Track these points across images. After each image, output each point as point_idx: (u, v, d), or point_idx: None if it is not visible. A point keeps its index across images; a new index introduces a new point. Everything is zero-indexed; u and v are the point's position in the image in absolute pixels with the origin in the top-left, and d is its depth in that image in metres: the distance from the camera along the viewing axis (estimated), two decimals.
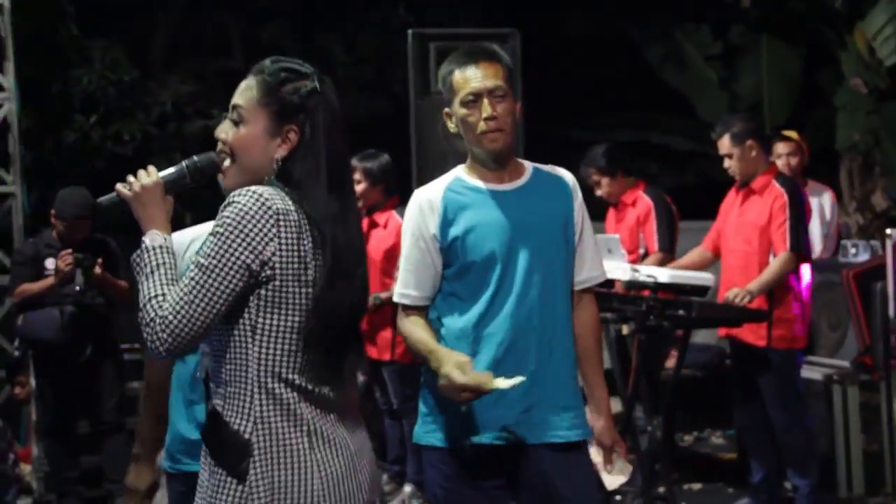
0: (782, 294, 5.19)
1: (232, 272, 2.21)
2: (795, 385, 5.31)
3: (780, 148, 6.24)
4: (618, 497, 5.41)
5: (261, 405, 2.27)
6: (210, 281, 2.21)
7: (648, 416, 5.19)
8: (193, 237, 2.88)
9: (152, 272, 2.26)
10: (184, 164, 2.39)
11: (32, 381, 6.35)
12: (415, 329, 3.02)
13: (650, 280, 4.74)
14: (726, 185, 5.71)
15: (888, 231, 5.48)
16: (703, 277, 4.87)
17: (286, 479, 2.26)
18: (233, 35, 8.66)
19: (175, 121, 7.94)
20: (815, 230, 6.24)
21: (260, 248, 2.22)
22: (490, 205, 2.99)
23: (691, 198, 6.90)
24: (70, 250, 5.76)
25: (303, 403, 2.29)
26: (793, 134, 6.40)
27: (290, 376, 2.28)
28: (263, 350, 2.27)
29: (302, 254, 2.26)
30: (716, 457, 6.70)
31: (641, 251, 6.07)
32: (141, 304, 2.24)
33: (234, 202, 2.24)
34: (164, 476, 3.18)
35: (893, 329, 5.40)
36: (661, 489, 5.34)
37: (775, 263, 5.17)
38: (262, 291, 2.25)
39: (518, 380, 2.82)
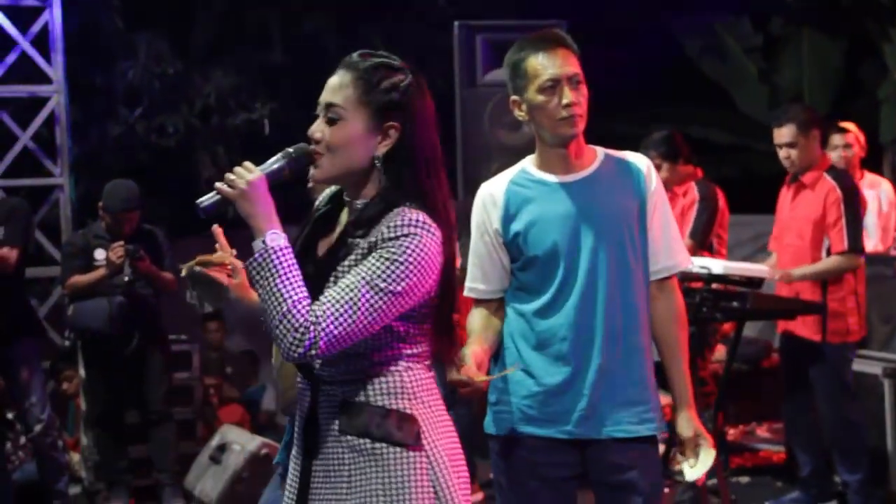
0: (838, 288, 5.16)
1: (403, 299, 2.26)
2: (846, 379, 5.28)
3: (836, 139, 6.19)
4: (666, 490, 5.39)
5: (412, 384, 2.34)
6: (382, 304, 2.24)
7: (700, 408, 5.16)
8: None
9: (287, 273, 2.23)
10: (280, 156, 2.36)
11: (82, 372, 6.39)
12: (471, 322, 3.03)
13: (704, 271, 4.71)
14: (766, 179, 5.67)
15: None
16: (758, 269, 4.84)
17: (453, 451, 2.37)
18: (273, 28, 8.66)
19: (218, 114, 7.95)
20: (872, 223, 6.20)
21: (429, 280, 2.29)
22: (554, 198, 2.96)
23: (730, 191, 6.87)
24: (122, 242, 5.79)
25: (434, 383, 2.39)
26: (850, 125, 6.35)
27: (425, 364, 2.38)
28: (412, 350, 2.36)
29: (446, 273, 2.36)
30: (763, 450, 6.66)
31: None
32: (282, 307, 2.21)
33: (413, 234, 2.26)
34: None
35: None
36: (713, 481, 5.33)
37: (831, 261, 5.13)
38: (416, 307, 2.33)
39: (509, 370, 2.89)
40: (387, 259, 2.23)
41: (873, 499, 5.27)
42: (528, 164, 3.04)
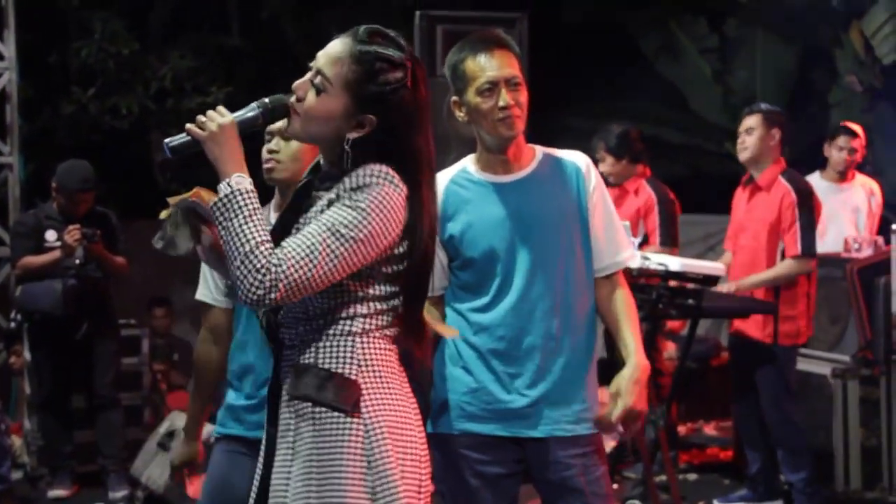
0: (791, 291, 5.22)
1: (364, 247, 2.25)
2: (790, 381, 5.34)
3: (842, 141, 6.32)
4: (615, 486, 5.42)
5: (363, 351, 2.31)
6: (343, 250, 2.23)
7: (650, 405, 5.19)
8: None
9: (250, 216, 2.22)
10: (255, 105, 2.34)
11: (27, 355, 6.29)
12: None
13: (661, 268, 4.73)
14: (716, 179, 5.72)
15: (893, 226, 5.52)
16: (714, 267, 4.88)
17: (398, 423, 2.32)
18: (231, 12, 8.58)
19: (173, 96, 7.86)
20: (862, 222, 6.32)
21: (390, 230, 2.28)
22: (491, 199, 2.95)
23: (681, 190, 6.93)
24: (78, 225, 5.72)
25: (394, 358, 2.36)
26: (856, 128, 6.47)
27: (387, 332, 2.35)
28: (370, 310, 2.32)
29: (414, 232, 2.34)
30: (711, 448, 6.72)
31: (639, 240, 6.07)
32: (244, 248, 2.20)
33: (377, 184, 2.26)
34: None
35: (895, 324, 5.44)
36: (662, 478, 5.37)
37: (784, 266, 5.20)
38: (378, 265, 2.32)
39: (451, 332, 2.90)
40: (349, 206, 2.24)
41: (818, 498, 5.33)
42: (469, 163, 3.02)
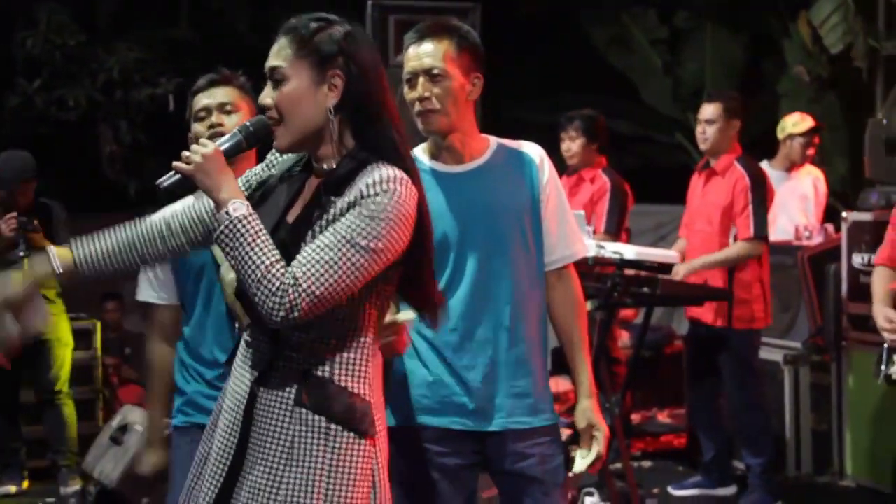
0: (744, 275, 5.26)
1: (383, 256, 2.24)
2: (752, 366, 5.39)
3: (809, 136, 6.41)
4: (571, 474, 5.43)
5: (370, 369, 2.33)
6: (363, 262, 2.21)
7: (605, 394, 5.22)
8: None
9: (254, 240, 2.21)
10: (237, 130, 2.36)
11: None
12: None
13: (616, 256, 4.75)
14: (667, 170, 5.76)
15: (843, 214, 5.59)
16: (668, 255, 4.90)
17: (384, 436, 2.38)
18: (181, 3, 8.49)
19: (121, 88, 7.76)
20: (811, 210, 6.38)
21: (407, 236, 2.27)
22: (443, 188, 2.91)
23: (632, 181, 6.97)
24: (14, 214, 5.63)
25: (378, 370, 2.39)
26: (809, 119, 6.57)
27: (375, 341, 2.36)
28: (376, 313, 2.33)
29: (423, 229, 2.35)
30: (665, 436, 6.77)
31: (592, 227, 6.09)
32: (256, 274, 2.18)
33: (391, 190, 2.23)
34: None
35: (845, 310, 5.50)
36: (618, 465, 5.39)
37: (735, 248, 5.24)
38: (392, 265, 2.30)
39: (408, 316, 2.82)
40: (367, 216, 2.21)
41: (772, 484, 5.38)
42: (420, 152, 2.97)
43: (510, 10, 9.85)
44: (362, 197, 2.22)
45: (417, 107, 2.88)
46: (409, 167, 2.31)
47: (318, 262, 2.19)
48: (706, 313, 5.31)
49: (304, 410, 2.28)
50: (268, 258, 2.19)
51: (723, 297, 5.16)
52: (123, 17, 8.31)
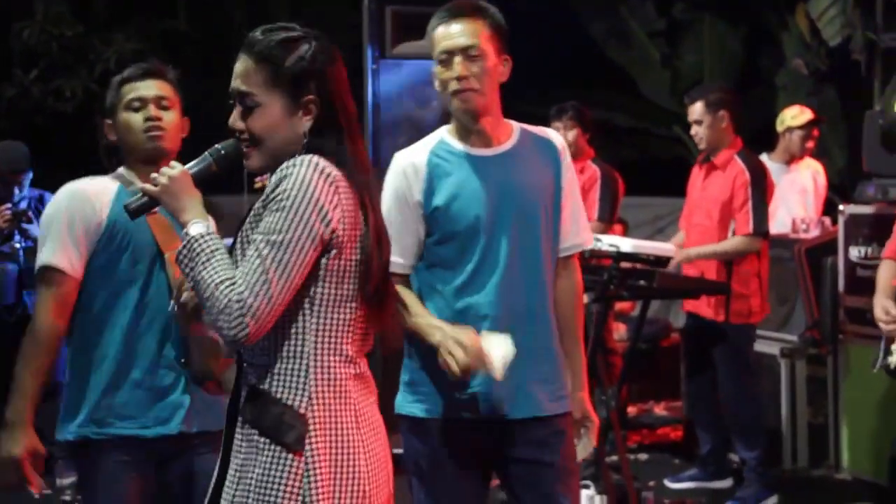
0: (742, 269, 5.26)
1: (307, 243, 2.17)
2: (748, 359, 5.39)
3: (808, 128, 6.42)
4: None
5: (315, 381, 2.23)
6: (287, 256, 2.15)
7: (602, 386, 5.22)
8: None
9: (209, 259, 2.19)
10: (207, 153, 2.36)
11: None
12: (408, 300, 2.89)
13: (612, 249, 4.74)
14: (664, 162, 5.76)
15: (840, 207, 5.58)
16: (665, 248, 4.89)
17: (339, 459, 2.23)
18: None
19: None
20: (810, 203, 6.39)
21: (327, 214, 2.19)
22: (474, 171, 2.90)
23: (630, 174, 6.97)
24: (9, 205, 5.62)
25: (350, 381, 2.27)
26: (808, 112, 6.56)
27: (344, 348, 2.26)
28: (321, 321, 2.24)
29: (359, 220, 2.24)
30: (661, 428, 6.77)
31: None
32: (206, 293, 2.16)
33: (290, 174, 2.18)
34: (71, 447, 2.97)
35: (842, 304, 5.50)
36: (614, 458, 5.38)
37: (733, 242, 5.24)
38: (325, 261, 2.22)
39: (508, 353, 2.76)
40: (275, 209, 2.17)
41: (767, 477, 5.38)
42: (446, 134, 2.96)
43: (508, 3, 9.85)
44: (271, 191, 2.20)
45: (454, 86, 2.84)
46: (355, 174, 2.25)
47: (249, 273, 2.15)
48: (703, 307, 5.31)
49: (245, 426, 2.26)
50: (216, 277, 2.16)
51: (720, 290, 5.15)
52: (120, 9, 8.29)
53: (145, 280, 2.89)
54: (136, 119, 2.93)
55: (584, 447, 3.09)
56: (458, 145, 2.93)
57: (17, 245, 5.70)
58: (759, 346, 5.66)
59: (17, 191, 5.77)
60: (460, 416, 2.91)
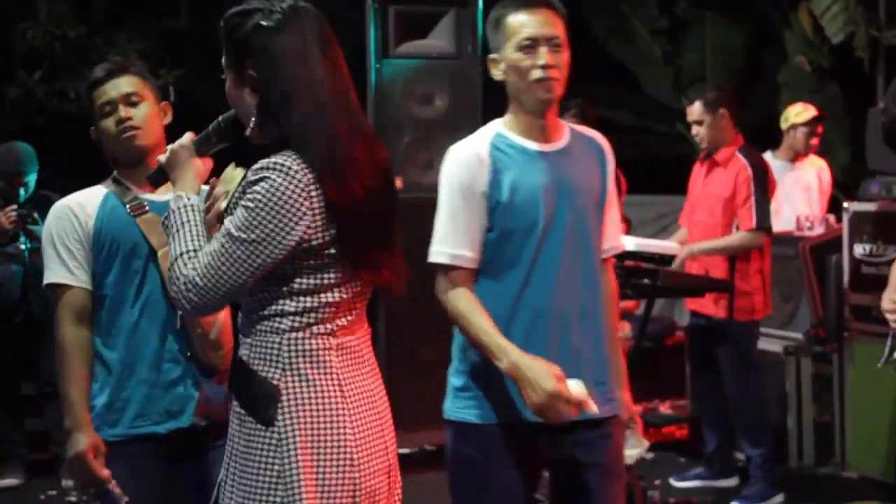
0: (745, 266, 5.26)
1: (262, 248, 2.19)
2: (751, 356, 5.38)
3: (812, 126, 6.41)
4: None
5: (290, 352, 2.25)
6: (240, 253, 2.19)
7: None
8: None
9: (178, 231, 2.27)
10: (210, 126, 2.43)
11: None
12: (473, 311, 2.79)
13: None
14: (667, 160, 5.75)
15: (845, 204, 5.57)
16: (669, 246, 4.89)
17: (320, 428, 2.24)
18: None
19: None
20: (815, 200, 6.38)
21: (292, 225, 2.20)
22: (535, 166, 2.85)
23: (633, 172, 6.96)
24: (14, 206, 5.63)
25: (331, 352, 2.27)
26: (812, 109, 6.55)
27: (325, 325, 2.28)
28: (301, 305, 2.26)
29: (335, 216, 2.24)
30: (666, 427, 6.76)
31: None
32: (169, 262, 2.26)
33: (266, 178, 2.20)
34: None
35: (847, 301, 5.49)
36: None
37: (736, 237, 5.24)
38: (300, 258, 2.24)
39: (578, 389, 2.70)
40: (243, 207, 2.21)
41: (773, 475, 5.38)
42: (502, 127, 2.90)
43: None
44: (244, 187, 2.23)
45: (538, 74, 2.79)
46: (323, 155, 2.22)
47: (207, 254, 2.23)
48: (707, 305, 5.31)
49: (233, 396, 2.33)
50: (181, 247, 2.26)
51: (724, 288, 5.15)
52: (121, 8, 8.29)
53: (141, 279, 2.92)
54: (109, 124, 2.92)
55: (633, 447, 3.04)
56: (517, 139, 2.87)
57: (23, 246, 5.71)
58: (764, 344, 5.65)
59: (22, 192, 5.78)
60: (514, 420, 2.82)
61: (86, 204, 2.93)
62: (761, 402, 5.41)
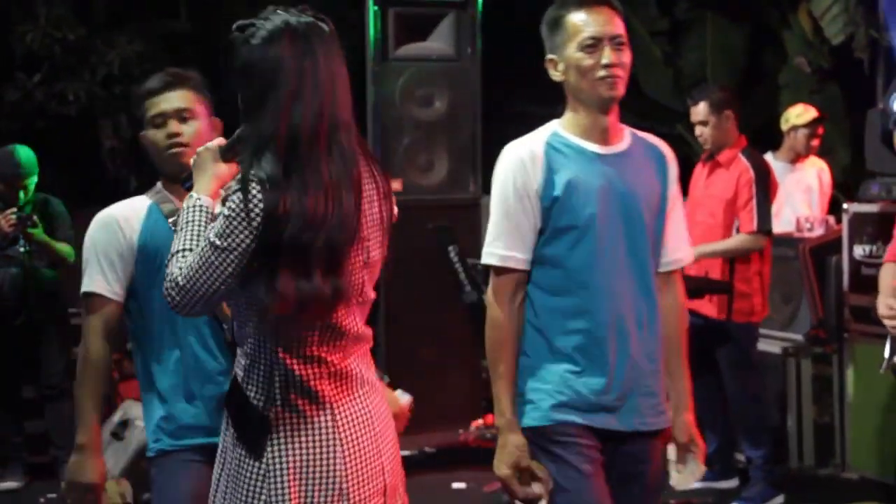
0: (745, 268, 5.26)
1: (235, 256, 2.20)
2: (751, 358, 5.38)
3: (813, 127, 6.42)
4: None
5: (279, 384, 2.25)
6: (215, 260, 2.21)
7: None
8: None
9: (181, 229, 2.30)
10: (236, 132, 2.41)
11: None
12: (503, 346, 2.77)
13: None
14: None
15: (844, 205, 5.58)
16: None
17: (310, 459, 2.24)
18: None
19: (121, 82, 7.76)
20: (815, 202, 6.38)
21: (252, 238, 2.21)
22: (592, 168, 2.78)
23: None
24: (13, 210, 5.63)
25: (323, 382, 2.26)
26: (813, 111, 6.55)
27: (311, 351, 2.26)
28: (278, 329, 2.26)
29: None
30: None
31: None
32: (168, 258, 2.30)
33: (243, 189, 2.21)
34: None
35: (847, 302, 5.49)
36: None
37: (737, 240, 5.24)
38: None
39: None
40: (222, 215, 2.23)
41: (774, 476, 5.37)
42: (559, 128, 2.85)
43: (510, 3, 9.84)
44: (228, 195, 2.25)
45: (602, 72, 2.74)
46: (284, 162, 2.21)
47: (195, 255, 2.25)
48: (706, 306, 5.30)
49: (227, 413, 2.34)
50: (177, 246, 2.29)
51: (723, 289, 5.15)
52: (121, 10, 8.30)
53: None
54: (159, 137, 2.89)
55: (692, 473, 2.97)
56: (575, 139, 2.82)
57: (22, 249, 5.72)
58: (765, 346, 5.65)
59: (22, 195, 5.78)
60: (579, 423, 2.77)
61: (130, 217, 2.92)
62: (761, 403, 5.40)
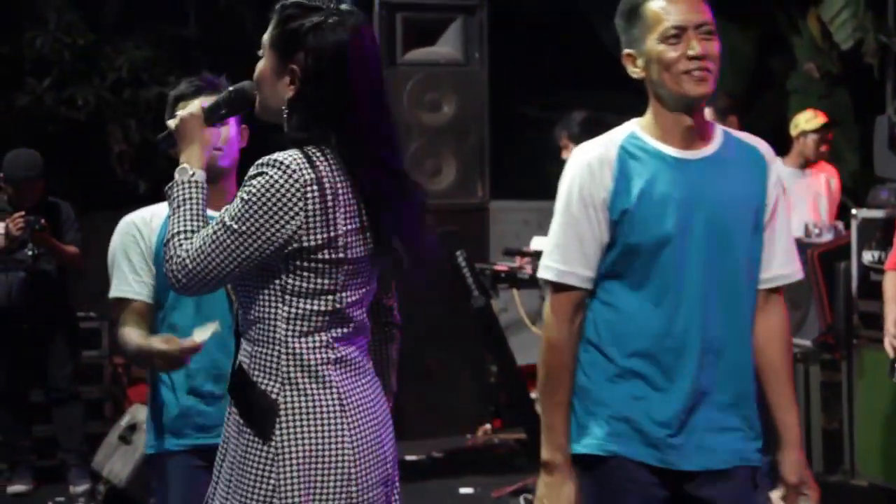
0: None
1: (251, 241, 2.20)
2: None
3: (823, 132, 6.42)
4: None
5: (288, 366, 2.25)
6: (229, 242, 2.20)
7: None
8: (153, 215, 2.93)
9: (178, 207, 2.28)
10: (221, 94, 2.44)
11: None
12: (557, 376, 2.52)
13: None
14: None
15: (853, 211, 5.56)
16: None
17: (318, 443, 2.24)
18: (188, 2, 8.50)
19: (130, 87, 7.79)
20: (824, 208, 6.37)
21: (283, 223, 2.20)
22: (672, 176, 2.48)
23: None
24: (22, 213, 5.65)
25: (330, 367, 2.26)
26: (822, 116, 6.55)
27: (321, 335, 2.26)
28: (293, 310, 2.25)
29: (331, 221, 2.22)
30: None
31: None
32: (166, 238, 2.27)
33: (263, 172, 2.21)
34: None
35: (856, 308, 5.47)
36: None
37: None
38: (291, 258, 2.23)
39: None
40: (239, 198, 2.22)
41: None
42: (637, 129, 2.54)
43: (518, 8, 9.84)
44: (248, 178, 2.24)
45: (687, 65, 2.43)
46: (335, 157, 2.23)
47: (200, 237, 2.24)
48: None
49: (232, 406, 2.33)
50: (177, 227, 2.27)
51: None
52: (131, 16, 8.32)
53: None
54: None
55: None
56: (653, 142, 2.51)
57: (30, 253, 5.73)
58: None
59: (30, 199, 5.79)
60: (633, 457, 2.52)
61: (151, 219, 2.98)
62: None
